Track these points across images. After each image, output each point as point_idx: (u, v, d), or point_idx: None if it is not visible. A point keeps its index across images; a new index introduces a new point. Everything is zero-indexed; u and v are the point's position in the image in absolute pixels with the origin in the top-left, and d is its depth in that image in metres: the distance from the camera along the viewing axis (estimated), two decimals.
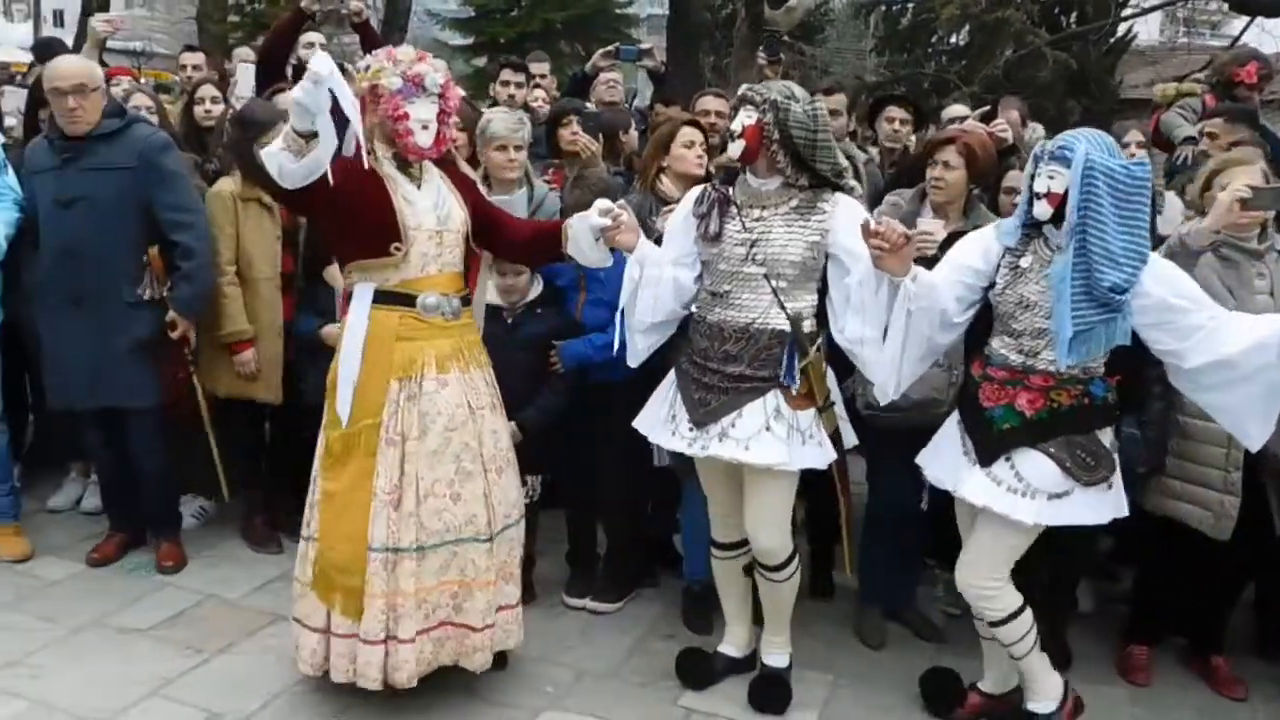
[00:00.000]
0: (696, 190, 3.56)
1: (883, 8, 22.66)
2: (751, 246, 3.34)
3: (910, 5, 21.78)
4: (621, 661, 3.88)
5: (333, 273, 4.37)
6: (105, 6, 13.56)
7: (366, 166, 3.26)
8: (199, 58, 6.49)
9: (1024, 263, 3.20)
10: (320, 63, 2.98)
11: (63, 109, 4.05)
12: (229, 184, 4.38)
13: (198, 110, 5.08)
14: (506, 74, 6.01)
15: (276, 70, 5.19)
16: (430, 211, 3.38)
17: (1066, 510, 3.15)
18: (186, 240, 4.17)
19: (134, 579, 4.28)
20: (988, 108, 6.00)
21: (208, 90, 5.12)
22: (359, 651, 3.32)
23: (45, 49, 5.82)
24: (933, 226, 3.74)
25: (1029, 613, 3.28)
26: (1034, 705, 3.40)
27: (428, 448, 3.31)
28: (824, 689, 3.73)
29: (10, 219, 4.27)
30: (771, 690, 3.62)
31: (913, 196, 4.16)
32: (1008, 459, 3.18)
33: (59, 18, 26.59)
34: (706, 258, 3.45)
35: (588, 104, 5.66)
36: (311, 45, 5.55)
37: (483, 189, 3.83)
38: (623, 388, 3.99)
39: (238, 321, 4.33)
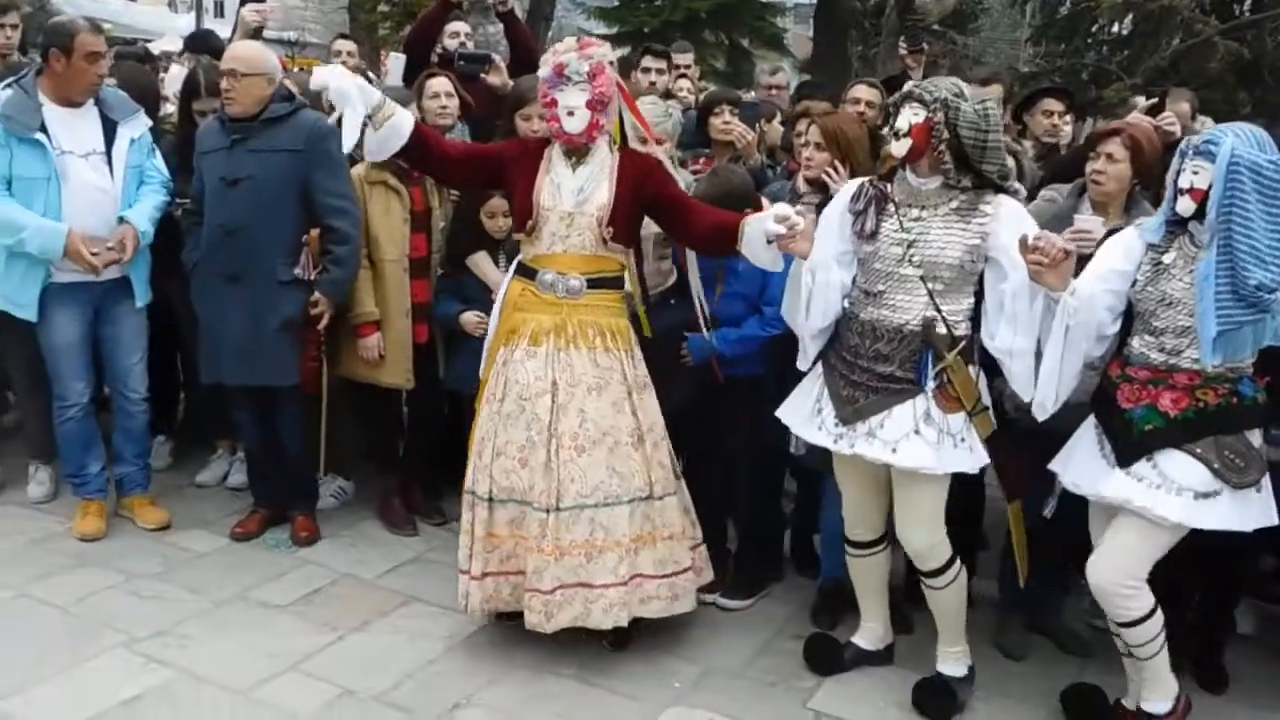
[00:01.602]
0: (853, 185, 3.48)
1: None
2: (909, 247, 3.28)
3: None
4: (750, 660, 3.81)
5: (476, 259, 4.41)
6: None
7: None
8: (352, 45, 6.62)
9: (1166, 259, 3.12)
10: (320, 76, 3.48)
11: (222, 89, 4.21)
12: (358, 169, 4.45)
13: None
14: (648, 60, 5.96)
15: (422, 59, 5.26)
16: (572, 195, 3.56)
17: (1213, 512, 3.02)
18: (343, 226, 4.27)
19: (275, 555, 4.39)
20: (1155, 100, 5.72)
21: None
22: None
23: (198, 41, 6.02)
24: (1091, 224, 3.58)
25: (1160, 614, 3.18)
26: (1150, 706, 3.30)
27: (504, 411, 3.58)
28: None
29: (159, 202, 4.43)
30: (937, 697, 3.53)
31: (1070, 191, 3.99)
32: (1149, 459, 3.08)
33: (219, 8, 27.67)
34: (861, 255, 3.39)
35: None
36: (456, 35, 5.63)
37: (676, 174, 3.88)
38: (754, 383, 3.93)
39: (365, 304, 4.40)
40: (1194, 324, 3.02)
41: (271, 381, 4.33)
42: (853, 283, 3.44)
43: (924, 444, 3.24)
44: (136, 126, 4.41)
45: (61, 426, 4.43)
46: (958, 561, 3.47)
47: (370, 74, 5.76)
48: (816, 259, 3.37)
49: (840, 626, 3.96)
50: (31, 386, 4.65)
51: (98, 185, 4.26)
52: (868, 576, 3.71)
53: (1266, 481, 3.08)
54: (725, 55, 21.73)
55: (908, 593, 4.21)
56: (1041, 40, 21.78)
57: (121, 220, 4.29)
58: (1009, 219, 3.21)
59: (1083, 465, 3.24)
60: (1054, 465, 3.35)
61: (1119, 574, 3.14)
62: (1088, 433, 3.28)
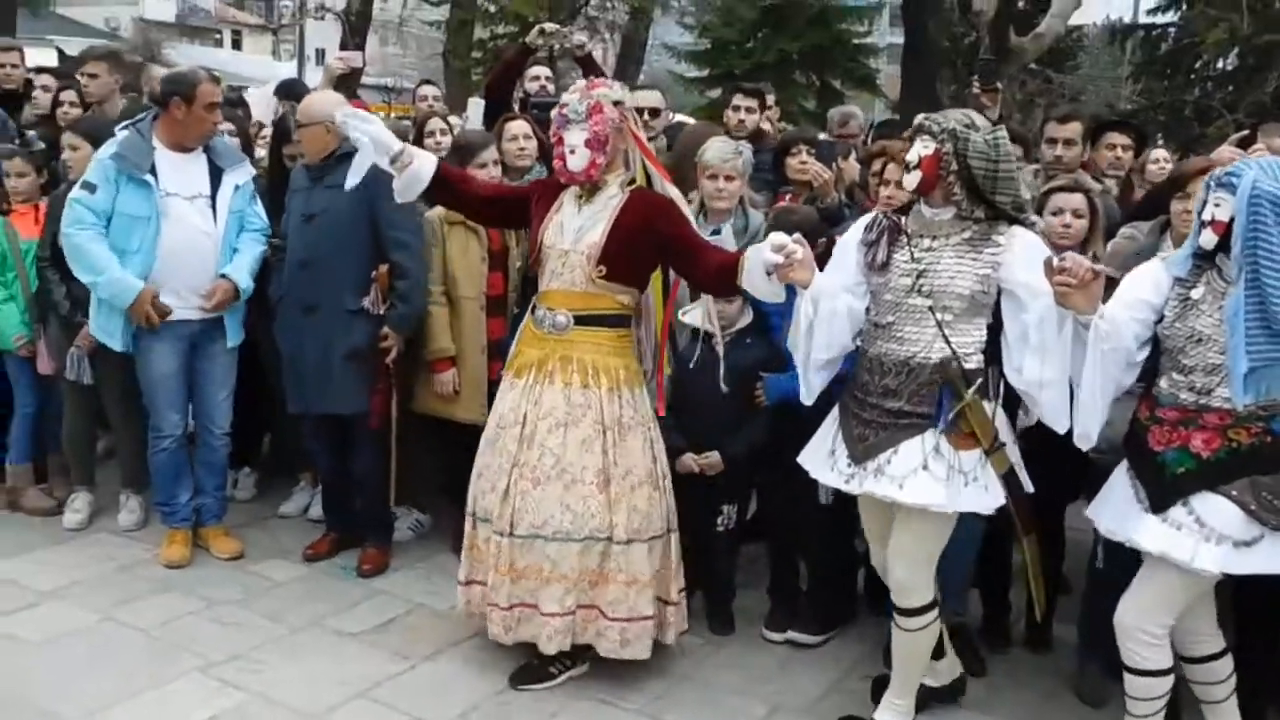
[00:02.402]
0: (866, 217, 3.46)
1: (1140, 32, 21.61)
2: (918, 277, 3.23)
3: (1171, 30, 20.69)
4: (819, 698, 3.77)
5: None
6: (362, 45, 14.51)
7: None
8: (435, 90, 6.81)
9: (1195, 294, 3.03)
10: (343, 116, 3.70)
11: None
12: (438, 209, 4.54)
13: (428, 142, 5.30)
14: (738, 99, 5.93)
15: (502, 102, 5.38)
16: (572, 233, 3.64)
17: (1256, 558, 2.92)
18: (403, 260, 4.39)
19: (350, 584, 4.47)
20: (1246, 132, 5.58)
21: (436, 123, 5.35)
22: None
23: (287, 89, 6.25)
24: None
25: (1170, 680, 3.13)
26: None
27: (487, 437, 3.79)
28: None
29: (258, 253, 4.64)
30: None
31: (1151, 229, 3.92)
32: (1184, 504, 2.98)
33: (320, 56, 28.59)
34: (873, 287, 3.35)
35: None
36: (537, 78, 5.75)
37: (690, 216, 3.86)
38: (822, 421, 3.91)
39: (440, 340, 4.50)
40: (1225, 361, 2.92)
41: (339, 410, 4.45)
42: (865, 316, 3.38)
43: (932, 480, 3.16)
44: (241, 174, 4.62)
45: (155, 457, 4.58)
46: (936, 609, 3.38)
47: (452, 118, 5.89)
48: (822, 288, 3.32)
49: None
50: (125, 417, 4.84)
51: (201, 228, 4.47)
52: None
53: None
54: (816, 96, 21.72)
55: (982, 632, 4.14)
56: (1142, 77, 21.38)
57: (224, 276, 4.49)
58: (1022, 250, 3.15)
59: (1117, 510, 3.15)
60: (1089, 512, 3.27)
61: (1144, 618, 3.08)
62: (1120, 477, 3.18)
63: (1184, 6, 19.99)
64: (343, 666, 3.81)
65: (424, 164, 3.68)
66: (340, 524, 4.74)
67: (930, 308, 3.21)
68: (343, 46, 12.83)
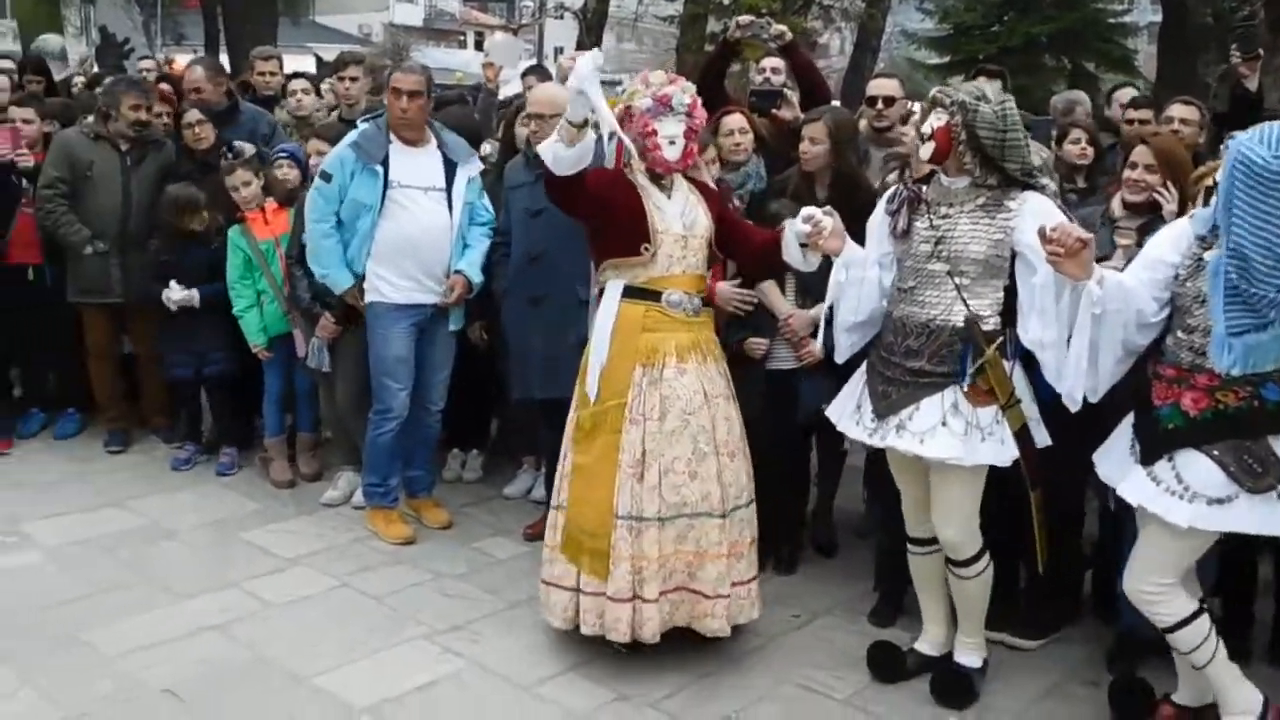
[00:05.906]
0: (890, 190, 3.62)
1: None
2: (937, 244, 3.41)
3: None
4: (1033, 701, 3.66)
5: (764, 288, 4.45)
6: (599, 43, 14.87)
7: (617, 167, 3.84)
8: None
9: (1208, 255, 2.99)
10: (583, 62, 3.50)
11: (530, 130, 4.60)
12: None
13: None
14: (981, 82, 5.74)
15: (712, 96, 5.41)
16: (677, 218, 3.76)
17: (1227, 516, 3.00)
18: None
19: None
20: None
21: None
22: (607, 608, 3.66)
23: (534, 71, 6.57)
24: None
25: (1205, 620, 3.16)
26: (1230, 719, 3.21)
27: (666, 428, 3.64)
28: None
29: (486, 248, 4.89)
30: (956, 685, 3.62)
31: None
32: (1170, 459, 3.08)
33: (559, 54, 29.48)
34: (897, 254, 3.53)
35: None
36: (763, 70, 5.78)
37: None
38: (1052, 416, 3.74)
39: None
40: None
41: (570, 393, 4.57)
42: (892, 282, 3.56)
43: (950, 435, 3.34)
44: (473, 168, 4.89)
45: (380, 439, 4.80)
46: (987, 555, 3.56)
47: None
48: (854, 256, 3.54)
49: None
50: (359, 402, 5.03)
51: (437, 218, 4.74)
52: (927, 576, 3.75)
53: None
54: (1067, 80, 20.70)
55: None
56: None
57: (459, 271, 4.77)
58: (1032, 214, 3.27)
59: (1115, 458, 3.26)
60: (1095, 456, 3.34)
61: (1142, 579, 3.15)
62: (1125, 427, 3.27)
63: None
64: (555, 641, 3.93)
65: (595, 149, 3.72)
66: None
67: (949, 272, 3.39)
68: (579, 46, 13.20)
